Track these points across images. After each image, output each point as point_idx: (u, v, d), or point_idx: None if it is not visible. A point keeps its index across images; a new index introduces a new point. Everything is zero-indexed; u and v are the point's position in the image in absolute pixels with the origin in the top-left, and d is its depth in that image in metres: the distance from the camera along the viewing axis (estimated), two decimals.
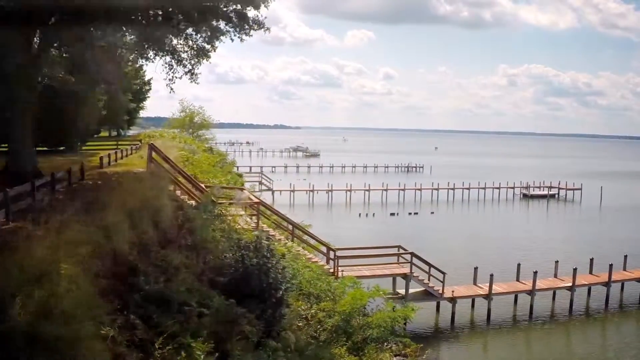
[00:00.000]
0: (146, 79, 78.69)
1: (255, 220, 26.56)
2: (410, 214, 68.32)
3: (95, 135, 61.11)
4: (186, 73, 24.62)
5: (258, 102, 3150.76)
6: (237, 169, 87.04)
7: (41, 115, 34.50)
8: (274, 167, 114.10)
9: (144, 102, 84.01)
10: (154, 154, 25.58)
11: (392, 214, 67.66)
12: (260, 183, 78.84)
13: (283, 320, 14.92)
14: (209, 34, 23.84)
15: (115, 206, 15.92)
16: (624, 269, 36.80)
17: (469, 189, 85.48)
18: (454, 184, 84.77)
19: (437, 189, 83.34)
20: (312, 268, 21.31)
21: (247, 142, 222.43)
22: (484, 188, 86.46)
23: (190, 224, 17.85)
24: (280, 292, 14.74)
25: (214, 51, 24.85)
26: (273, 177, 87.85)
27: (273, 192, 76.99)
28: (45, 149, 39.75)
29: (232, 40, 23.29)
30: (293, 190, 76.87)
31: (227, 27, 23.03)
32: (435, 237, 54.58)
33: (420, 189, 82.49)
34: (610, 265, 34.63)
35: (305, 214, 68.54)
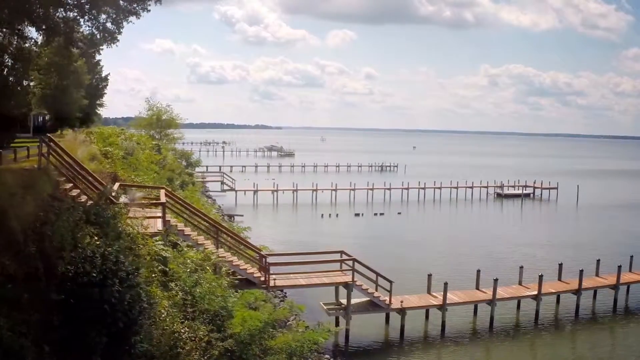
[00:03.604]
0: (103, 74, 74.89)
1: (176, 223, 23.38)
2: (375, 214, 65.01)
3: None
4: (81, 56, 21.13)
5: (239, 102, 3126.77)
6: (207, 169, 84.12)
7: None
8: (244, 166, 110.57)
9: (102, 99, 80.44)
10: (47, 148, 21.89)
11: (357, 215, 64.31)
12: (222, 183, 75.05)
13: (137, 350, 11.51)
14: (112, 13, 20.53)
15: None
16: (597, 275, 33.60)
17: (440, 188, 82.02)
18: (425, 184, 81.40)
19: (408, 189, 79.96)
20: (208, 280, 17.72)
21: (224, 142, 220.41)
22: (457, 187, 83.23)
23: (48, 228, 14.17)
24: (133, 315, 11.33)
25: (120, 33, 21.68)
26: (242, 177, 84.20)
27: (236, 192, 73.32)
28: None
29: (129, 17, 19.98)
30: (256, 190, 73.28)
31: (124, 2, 19.70)
32: (395, 239, 51.23)
33: (389, 189, 79.12)
34: (581, 271, 31.39)
35: (269, 215, 65.60)
